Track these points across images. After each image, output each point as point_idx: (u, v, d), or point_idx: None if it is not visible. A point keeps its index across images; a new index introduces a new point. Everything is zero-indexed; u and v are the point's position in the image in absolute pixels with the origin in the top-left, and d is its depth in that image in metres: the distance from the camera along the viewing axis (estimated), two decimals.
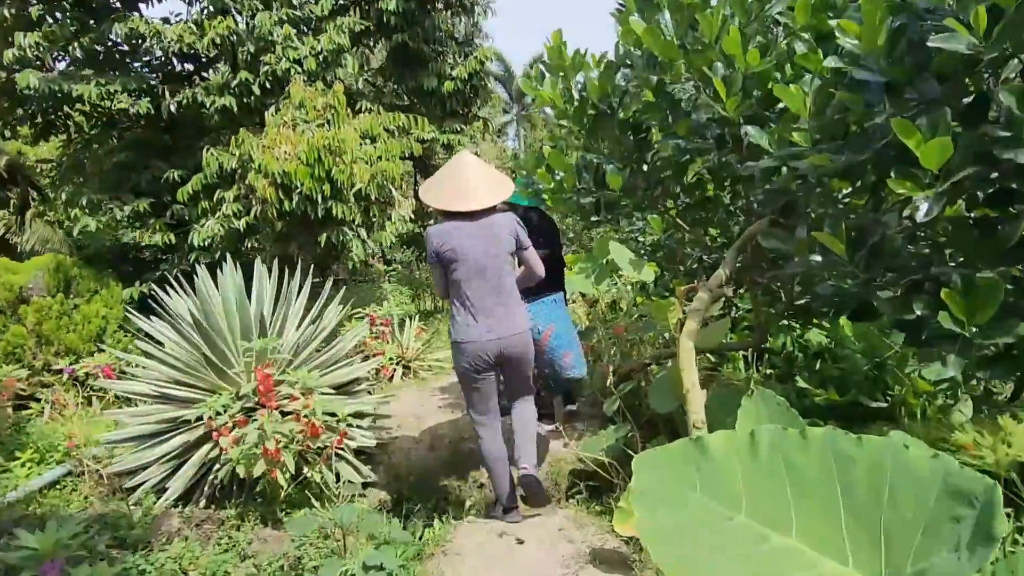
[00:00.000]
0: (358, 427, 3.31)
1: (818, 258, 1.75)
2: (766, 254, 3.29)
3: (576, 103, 3.25)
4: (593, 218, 3.40)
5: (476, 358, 2.49)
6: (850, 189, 2.44)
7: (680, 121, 2.90)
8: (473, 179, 2.58)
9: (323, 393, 3.17)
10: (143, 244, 5.95)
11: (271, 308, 3.21)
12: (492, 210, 2.58)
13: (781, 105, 2.60)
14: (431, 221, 9.94)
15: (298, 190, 4.56)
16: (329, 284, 3.56)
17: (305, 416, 2.48)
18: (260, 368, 2.57)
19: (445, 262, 2.48)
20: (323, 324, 3.46)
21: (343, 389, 3.50)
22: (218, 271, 3.11)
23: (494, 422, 2.67)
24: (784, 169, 2.45)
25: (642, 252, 5.42)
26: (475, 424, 2.67)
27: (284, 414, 2.66)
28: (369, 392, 3.74)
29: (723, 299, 2.87)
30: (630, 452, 2.96)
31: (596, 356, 4.63)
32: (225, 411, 2.52)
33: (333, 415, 2.64)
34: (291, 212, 4.60)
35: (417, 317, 6.07)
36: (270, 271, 3.38)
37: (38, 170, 9.31)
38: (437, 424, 4.03)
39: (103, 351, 4.70)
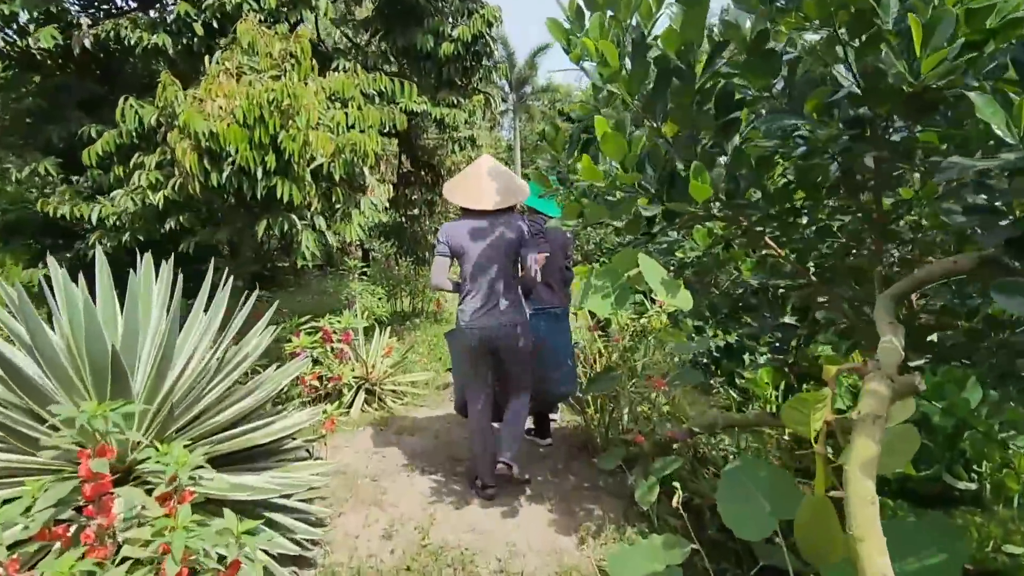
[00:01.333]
0: (280, 506, 2.30)
1: None
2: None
3: (635, 58, 2.26)
4: (645, 232, 2.43)
5: (468, 341, 2.84)
6: None
7: (809, 92, 1.95)
8: (491, 182, 2.89)
9: (224, 463, 2.16)
10: (57, 215, 4.82)
11: (156, 333, 2.17)
12: (507, 211, 2.91)
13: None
14: (415, 211, 8.95)
15: (231, 159, 3.49)
16: (252, 297, 2.51)
17: (163, 539, 1.46)
18: (89, 450, 1.54)
19: (455, 254, 2.85)
20: (241, 355, 2.43)
21: (265, 448, 2.48)
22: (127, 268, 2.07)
23: (485, 408, 2.96)
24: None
25: (669, 268, 4.44)
26: (468, 403, 3.00)
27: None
28: (308, 451, 2.72)
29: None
30: None
31: (613, 402, 3.66)
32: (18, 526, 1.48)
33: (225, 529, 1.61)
34: (220, 188, 3.53)
35: (388, 331, 5.04)
36: (189, 263, 2.34)
37: None
38: (400, 493, 3.03)
39: None
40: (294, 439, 2.70)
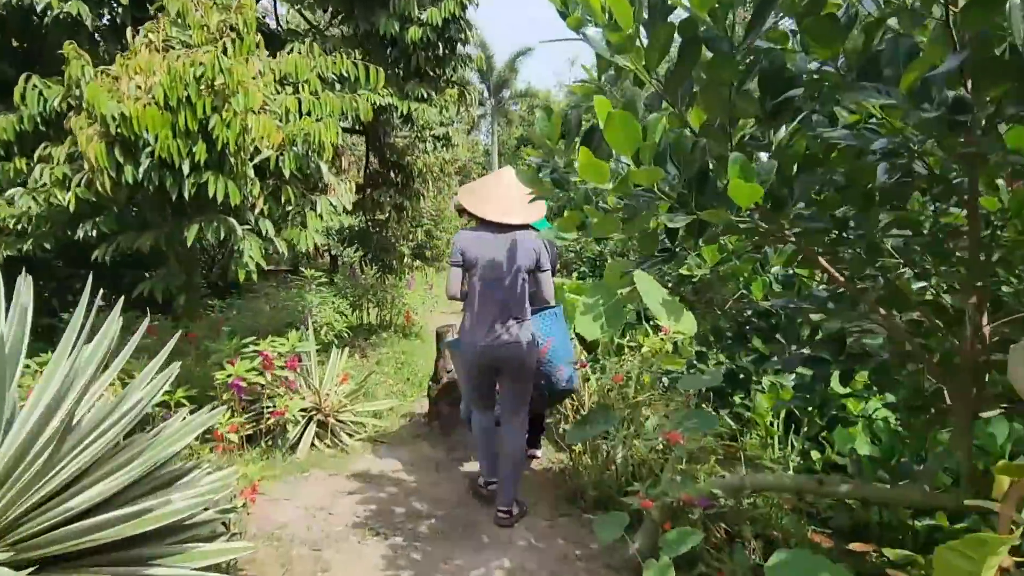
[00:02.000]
0: None
1: None
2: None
3: (653, 23, 1.76)
4: (665, 248, 1.92)
5: (470, 358, 2.84)
6: None
7: (900, 63, 1.48)
8: (515, 195, 2.76)
9: (104, 550, 1.57)
10: None
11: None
12: (523, 226, 2.82)
13: None
14: (383, 215, 8.31)
15: (149, 149, 2.87)
16: (143, 326, 1.91)
17: None
18: None
19: (467, 266, 2.81)
20: (128, 404, 1.84)
21: (161, 528, 1.88)
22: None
23: (488, 412, 3.00)
24: None
25: (666, 284, 3.95)
26: (472, 408, 3.05)
27: None
28: (224, 524, 2.12)
29: None
30: None
31: (606, 442, 3.13)
32: None
33: None
34: (138, 185, 2.91)
35: (347, 351, 4.43)
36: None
37: None
38: (347, 568, 2.47)
39: None
40: (207, 508, 2.10)
